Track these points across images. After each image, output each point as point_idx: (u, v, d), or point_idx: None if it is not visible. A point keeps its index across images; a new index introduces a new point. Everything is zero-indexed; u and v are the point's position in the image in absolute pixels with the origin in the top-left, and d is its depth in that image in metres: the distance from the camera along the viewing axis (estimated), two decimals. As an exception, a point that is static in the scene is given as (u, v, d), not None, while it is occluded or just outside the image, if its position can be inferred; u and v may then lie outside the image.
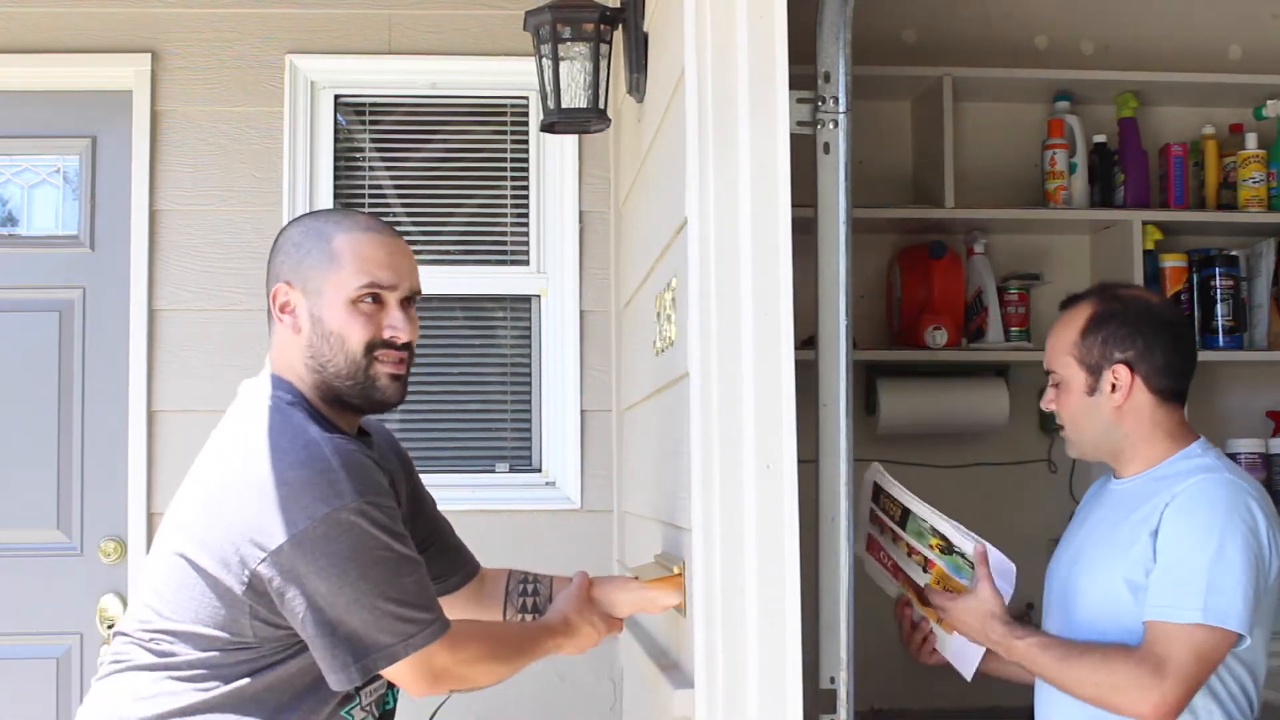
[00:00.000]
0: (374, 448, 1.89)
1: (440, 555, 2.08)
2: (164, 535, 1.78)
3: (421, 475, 2.12)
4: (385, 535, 1.68)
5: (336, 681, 1.69)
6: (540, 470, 3.29)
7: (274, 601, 1.67)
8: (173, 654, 1.71)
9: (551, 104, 2.61)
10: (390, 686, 1.85)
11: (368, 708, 1.80)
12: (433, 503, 2.12)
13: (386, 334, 1.81)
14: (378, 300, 1.80)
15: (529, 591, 2.13)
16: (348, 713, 1.78)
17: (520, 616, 2.12)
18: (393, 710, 1.89)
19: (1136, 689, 1.92)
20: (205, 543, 1.68)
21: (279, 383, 1.81)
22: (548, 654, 1.94)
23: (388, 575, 1.68)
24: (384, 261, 1.80)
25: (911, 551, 2.23)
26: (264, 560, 1.64)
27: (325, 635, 1.66)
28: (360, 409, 1.85)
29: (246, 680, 1.70)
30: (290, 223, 1.89)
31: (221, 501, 1.69)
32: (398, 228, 3.28)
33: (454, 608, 2.10)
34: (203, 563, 1.68)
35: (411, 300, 1.85)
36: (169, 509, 1.82)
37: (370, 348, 1.79)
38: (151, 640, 1.72)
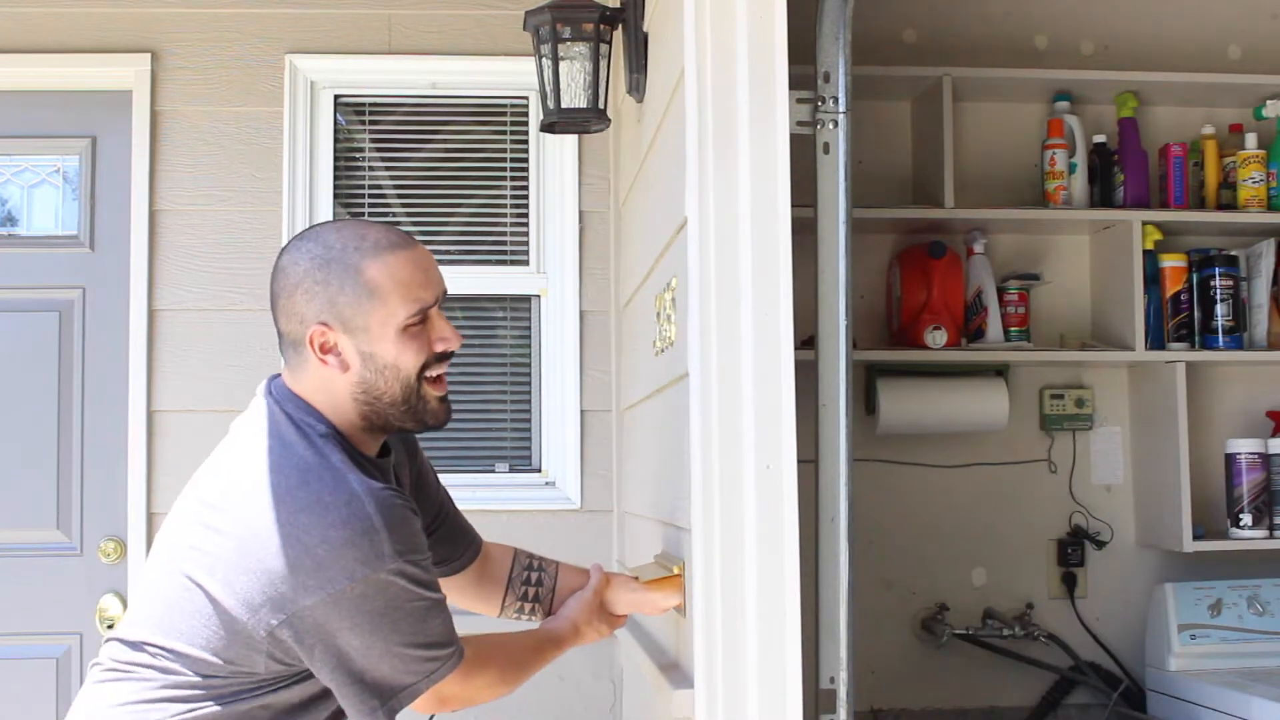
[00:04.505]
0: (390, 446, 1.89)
1: (445, 538, 2.07)
2: (176, 552, 1.72)
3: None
4: (419, 588, 1.67)
5: None
6: (540, 470, 3.29)
7: (295, 649, 1.66)
8: (173, 671, 1.68)
9: (551, 104, 2.61)
10: None
11: None
12: (437, 483, 2.09)
13: (438, 348, 1.78)
14: (424, 319, 1.77)
15: (532, 581, 2.12)
16: None
17: (520, 604, 2.12)
18: None
19: None
20: (231, 583, 1.64)
21: (308, 409, 1.75)
22: (552, 661, 1.96)
23: (417, 624, 1.68)
24: (422, 280, 1.75)
25: None
26: (295, 613, 1.63)
27: (353, 683, 1.67)
28: (411, 431, 1.83)
29: (243, 703, 1.69)
30: (295, 251, 1.77)
31: (256, 547, 1.64)
32: (398, 228, 3.31)
33: (454, 588, 2.10)
34: (226, 603, 1.64)
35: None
36: (176, 517, 1.77)
37: (423, 368, 1.77)
38: (155, 654, 1.69)
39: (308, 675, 1.71)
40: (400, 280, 1.73)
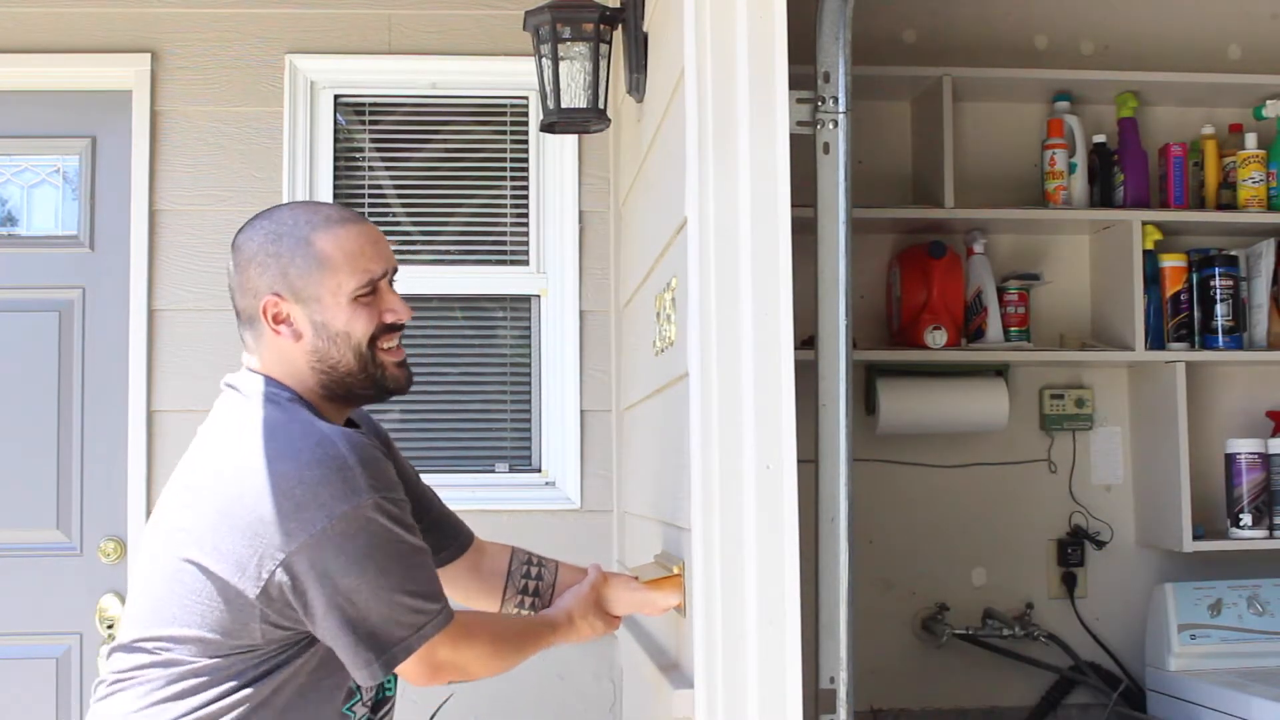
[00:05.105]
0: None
1: (431, 530, 2.06)
2: (161, 540, 1.75)
3: (421, 475, 2.12)
4: (399, 528, 1.70)
5: (362, 678, 1.71)
6: (540, 470, 3.29)
7: (289, 604, 1.67)
8: (174, 661, 1.69)
9: (551, 104, 2.61)
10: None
11: (366, 702, 1.81)
12: (416, 477, 2.11)
13: (388, 319, 1.83)
14: (374, 291, 1.82)
15: (532, 575, 2.13)
16: (349, 709, 1.78)
17: (520, 598, 2.12)
18: (392, 697, 1.89)
19: None
20: (218, 547, 1.67)
21: (269, 380, 1.80)
22: (545, 649, 1.95)
23: (402, 568, 1.70)
24: (371, 252, 1.82)
25: None
26: (283, 561, 1.64)
27: (346, 634, 1.67)
28: (374, 399, 1.87)
29: (249, 687, 1.69)
30: (250, 229, 1.85)
31: (236, 506, 1.67)
32: (397, 228, 3.33)
33: (452, 581, 2.10)
34: (216, 568, 1.66)
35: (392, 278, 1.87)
36: (159, 512, 1.80)
37: (373, 338, 1.81)
38: (154, 649, 1.70)
39: (308, 643, 1.71)
40: (349, 252, 1.79)
